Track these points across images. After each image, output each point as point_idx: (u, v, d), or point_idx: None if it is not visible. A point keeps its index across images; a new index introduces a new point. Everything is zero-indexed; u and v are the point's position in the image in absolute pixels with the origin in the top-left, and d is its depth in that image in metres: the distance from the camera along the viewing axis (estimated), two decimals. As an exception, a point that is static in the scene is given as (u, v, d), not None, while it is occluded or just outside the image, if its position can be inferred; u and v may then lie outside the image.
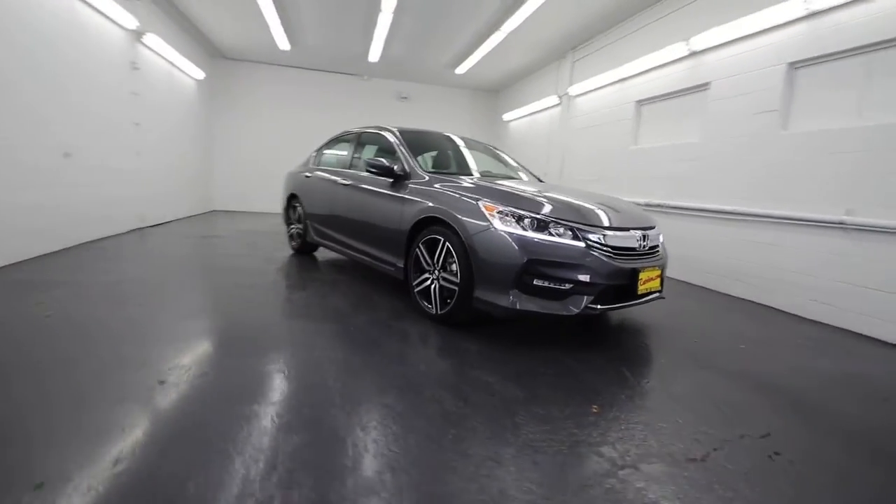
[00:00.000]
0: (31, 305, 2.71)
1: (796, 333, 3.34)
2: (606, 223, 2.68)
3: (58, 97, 4.24)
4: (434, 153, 4.09)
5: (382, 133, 3.99)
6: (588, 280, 2.50)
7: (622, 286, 2.60)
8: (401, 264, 3.27)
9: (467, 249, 2.64)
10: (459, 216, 2.71)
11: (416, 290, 3.09)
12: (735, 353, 2.81)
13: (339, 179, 4.17)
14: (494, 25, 6.57)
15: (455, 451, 1.53)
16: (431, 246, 2.96)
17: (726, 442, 1.74)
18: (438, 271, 2.91)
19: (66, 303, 2.80)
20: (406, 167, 3.42)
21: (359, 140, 4.33)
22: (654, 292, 2.85)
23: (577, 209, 2.69)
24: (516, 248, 2.47)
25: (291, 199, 5.21)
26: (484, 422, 1.75)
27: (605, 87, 6.60)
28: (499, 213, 2.59)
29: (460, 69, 8.87)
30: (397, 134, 3.80)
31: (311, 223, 4.73)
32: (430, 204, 2.98)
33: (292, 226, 5.21)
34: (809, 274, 3.75)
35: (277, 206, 10.81)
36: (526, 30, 6.54)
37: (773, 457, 1.67)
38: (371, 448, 1.51)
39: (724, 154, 4.63)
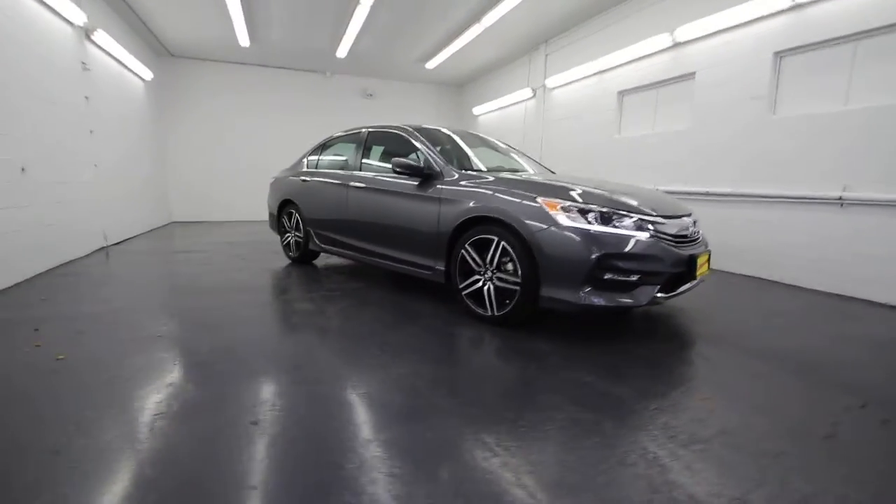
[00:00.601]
0: (31, 348, 2.32)
1: (814, 304, 3.57)
2: (662, 212, 2.70)
3: (3, 105, 3.65)
4: (439, 150, 3.96)
5: (397, 132, 3.81)
6: (656, 270, 2.52)
7: (680, 273, 2.65)
8: (440, 267, 3.14)
9: (531, 248, 2.57)
10: (519, 214, 2.63)
11: (464, 292, 2.98)
12: (770, 330, 2.96)
13: (351, 182, 3.93)
14: (474, 18, 6.49)
15: (622, 461, 1.47)
16: (480, 246, 2.86)
17: (838, 416, 1.81)
18: (492, 272, 2.81)
19: (69, 341, 2.42)
20: (436, 166, 3.28)
21: (366, 140, 4.10)
22: (703, 277, 2.93)
23: (633, 199, 2.70)
24: (586, 243, 2.43)
25: (284, 206, 4.87)
26: (619, 423, 1.70)
27: (584, 78, 6.74)
28: (562, 209, 2.53)
29: (431, 64, 8.73)
30: (417, 132, 3.64)
31: (313, 230, 4.45)
32: (478, 203, 2.86)
33: (288, 234, 4.88)
34: (808, 247, 4.04)
35: (245, 214, 10.52)
36: (501, 23, 6.52)
37: (885, 424, 1.76)
38: (554, 487, 1.41)
39: (715, 139, 4.87)
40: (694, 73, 5.06)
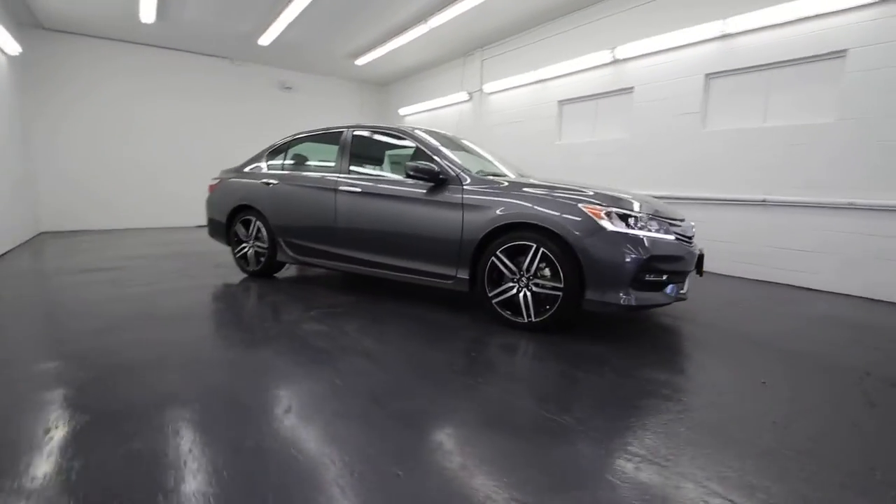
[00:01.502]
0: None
1: (752, 293, 4.23)
2: (673, 216, 2.96)
3: None
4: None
5: (395, 133, 3.59)
6: (681, 269, 2.76)
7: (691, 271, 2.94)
8: (463, 275, 3.04)
9: (577, 253, 2.61)
10: (564, 221, 2.66)
11: (496, 300, 2.92)
12: (744, 316, 3.45)
13: (340, 187, 3.57)
14: (420, 17, 6.38)
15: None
16: (513, 253, 2.84)
17: (854, 382, 2.18)
18: (527, 279, 2.81)
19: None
20: (451, 171, 3.15)
21: (351, 141, 3.76)
22: (696, 274, 3.29)
23: (652, 204, 2.91)
24: (633, 247, 2.56)
25: (238, 214, 4.25)
26: (744, 426, 1.82)
27: (524, 86, 7.06)
28: (607, 214, 2.63)
29: (362, 60, 8.35)
30: (423, 134, 3.47)
31: (284, 240, 3.96)
32: (511, 210, 2.82)
33: (244, 245, 4.26)
34: (736, 242, 4.78)
35: (141, 220, 8.81)
36: (441, 26, 6.50)
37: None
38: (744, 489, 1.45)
39: (652, 149, 5.49)
40: (633, 88, 5.63)
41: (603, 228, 2.60)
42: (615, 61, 5.74)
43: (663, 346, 2.73)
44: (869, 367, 2.42)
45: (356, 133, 3.78)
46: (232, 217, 4.33)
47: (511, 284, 2.87)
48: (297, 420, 1.71)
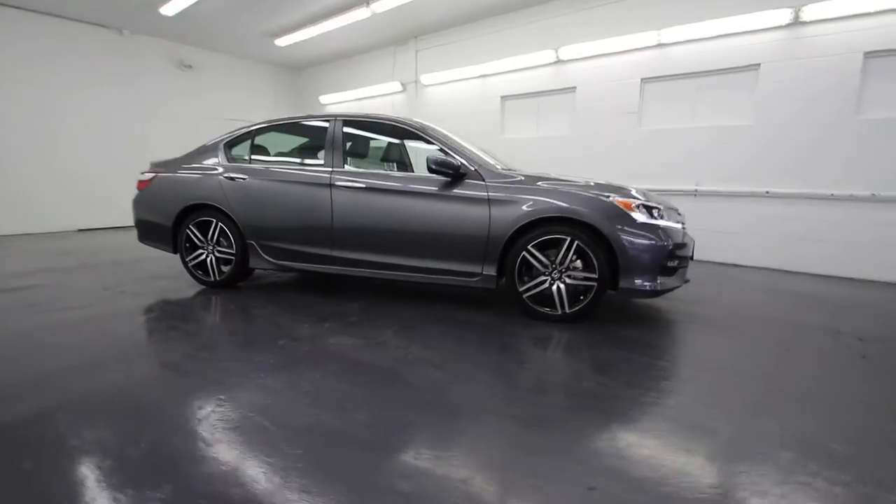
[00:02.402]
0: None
1: (698, 272, 4.84)
2: (674, 207, 3.26)
3: None
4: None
5: (396, 124, 3.33)
6: (688, 255, 3.06)
7: (688, 256, 3.28)
8: (490, 272, 2.97)
9: (613, 244, 2.73)
10: (599, 214, 2.74)
11: (527, 295, 2.92)
12: (705, 291, 3.96)
13: (337, 182, 3.20)
14: (361, 1, 5.98)
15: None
16: (541, 247, 2.86)
17: (832, 338, 2.67)
18: (560, 271, 2.85)
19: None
20: (470, 165, 3.04)
21: (342, 132, 3.38)
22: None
23: (653, 196, 3.16)
24: (660, 236, 2.76)
25: (190, 215, 3.58)
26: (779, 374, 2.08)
27: (466, 80, 7.09)
28: (636, 206, 2.78)
29: (283, 41, 7.55)
30: (424, 125, 3.26)
31: (259, 243, 3.44)
32: (542, 204, 2.81)
33: (200, 252, 3.60)
34: (672, 228, 5.44)
35: (13, 224, 6.70)
36: (378, 11, 6.21)
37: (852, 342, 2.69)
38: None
39: (593, 144, 5.95)
40: (575, 88, 6.02)
41: (635, 220, 2.75)
42: (559, 61, 6.07)
43: (672, 322, 3.00)
44: (835, 326, 2.96)
45: (347, 123, 3.42)
46: (180, 219, 3.62)
47: (543, 278, 2.89)
48: (452, 453, 1.52)
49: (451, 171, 2.97)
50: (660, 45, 5.28)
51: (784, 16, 4.42)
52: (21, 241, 6.02)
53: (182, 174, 3.67)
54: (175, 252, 3.74)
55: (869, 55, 4.16)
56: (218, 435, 1.58)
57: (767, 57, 4.66)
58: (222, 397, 1.85)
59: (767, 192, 4.76)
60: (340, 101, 9.06)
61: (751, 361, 2.38)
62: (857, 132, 4.28)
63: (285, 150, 3.69)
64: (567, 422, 1.72)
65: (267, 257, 3.46)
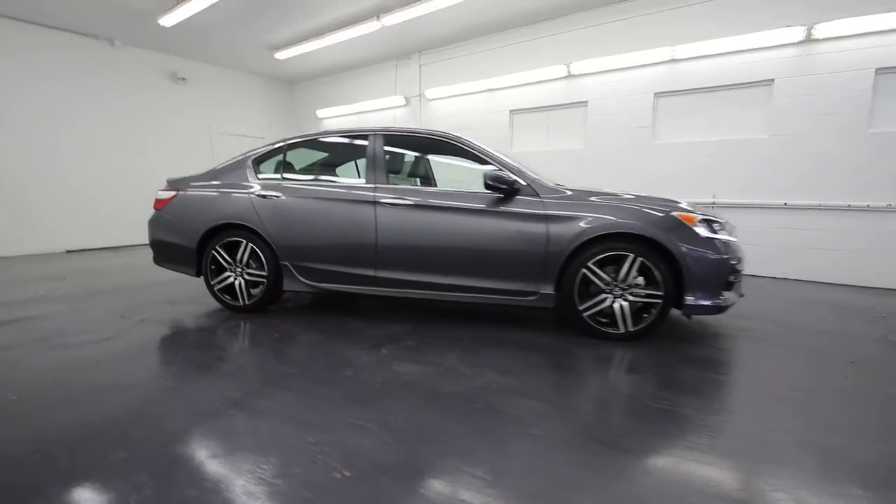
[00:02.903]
0: None
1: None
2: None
3: None
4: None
5: (440, 139, 3.22)
6: (742, 269, 3.04)
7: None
8: (547, 290, 2.87)
9: (678, 260, 2.67)
10: (663, 229, 2.69)
11: (587, 314, 2.83)
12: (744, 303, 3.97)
13: (382, 199, 3.06)
14: (373, 13, 5.90)
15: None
16: (602, 264, 2.78)
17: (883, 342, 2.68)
18: (622, 288, 2.78)
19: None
20: (522, 180, 2.95)
21: (383, 147, 3.25)
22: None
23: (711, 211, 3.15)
24: (725, 250, 2.72)
25: (216, 236, 3.36)
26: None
27: (473, 94, 7.07)
28: (699, 221, 2.74)
29: (283, 54, 7.38)
30: (466, 139, 3.17)
31: (294, 264, 3.24)
32: (603, 221, 2.74)
33: (227, 275, 3.37)
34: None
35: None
36: (385, 26, 6.15)
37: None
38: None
39: (606, 158, 5.98)
40: (587, 102, 6.07)
41: (698, 235, 2.71)
42: (570, 76, 6.11)
43: (729, 337, 2.96)
44: (884, 335, 2.98)
45: (388, 138, 3.29)
46: (205, 240, 3.40)
47: (605, 296, 2.81)
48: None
49: (506, 187, 2.87)
50: (673, 61, 5.38)
51: (797, 33, 4.57)
52: (6, 265, 5.58)
53: (207, 192, 3.45)
54: (198, 275, 3.50)
55: (880, 71, 4.33)
56: (340, 489, 1.40)
57: (781, 73, 4.79)
58: (311, 440, 1.67)
59: (785, 204, 4.86)
60: (339, 115, 8.91)
61: (819, 375, 2.35)
62: (869, 145, 4.43)
63: (317, 166, 3.53)
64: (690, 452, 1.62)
65: (303, 279, 3.26)
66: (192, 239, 3.41)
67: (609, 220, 2.77)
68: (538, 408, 1.95)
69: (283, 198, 3.25)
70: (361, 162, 3.40)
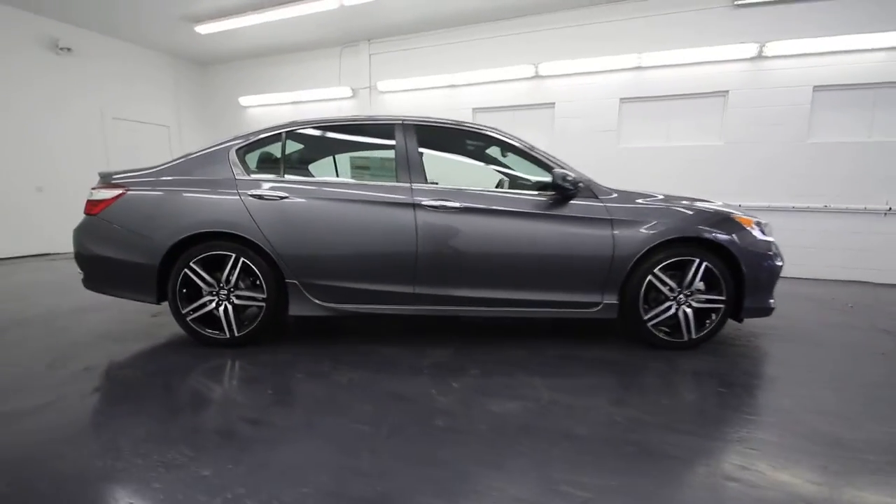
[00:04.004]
0: None
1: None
2: None
3: None
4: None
5: (482, 132, 2.84)
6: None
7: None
8: (611, 300, 2.65)
9: (742, 264, 2.62)
10: (728, 233, 2.62)
11: (651, 323, 2.66)
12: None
13: (423, 201, 2.55)
14: (329, -10, 5.19)
15: None
16: (669, 269, 2.65)
17: (909, 341, 2.96)
18: (686, 295, 2.66)
19: None
20: (580, 181, 2.68)
21: (415, 141, 2.72)
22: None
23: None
24: (777, 253, 2.75)
25: (190, 248, 2.54)
26: None
27: (431, 89, 6.66)
28: (755, 224, 2.73)
29: (206, 28, 6.20)
30: (508, 135, 2.82)
31: (308, 282, 2.58)
32: (672, 224, 2.60)
33: (209, 298, 2.57)
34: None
35: None
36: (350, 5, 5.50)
37: (918, 339, 3.03)
38: None
39: (574, 159, 5.93)
40: (554, 104, 6.05)
41: (756, 237, 2.70)
42: (537, 76, 6.04)
43: (778, 338, 3.04)
44: (867, 322, 3.30)
45: (420, 129, 2.79)
46: (172, 255, 2.55)
47: (670, 303, 2.67)
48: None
49: (573, 189, 2.59)
50: (639, 68, 5.58)
51: (751, 49, 5.00)
52: None
53: (172, 192, 2.60)
54: (158, 302, 2.63)
55: (817, 88, 4.92)
56: None
57: (735, 85, 5.22)
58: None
59: (739, 206, 5.30)
60: (269, 104, 7.84)
61: (864, 368, 2.46)
62: (808, 154, 5.02)
63: (327, 159, 2.89)
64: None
65: (316, 300, 2.61)
66: (154, 254, 2.54)
67: (675, 223, 2.63)
68: (695, 444, 1.69)
69: (291, 199, 2.57)
70: (372, 155, 2.86)
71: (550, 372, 2.37)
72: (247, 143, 2.75)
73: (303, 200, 2.58)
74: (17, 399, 1.97)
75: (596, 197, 2.69)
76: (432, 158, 2.96)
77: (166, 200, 2.59)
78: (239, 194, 2.56)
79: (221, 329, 2.60)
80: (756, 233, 2.71)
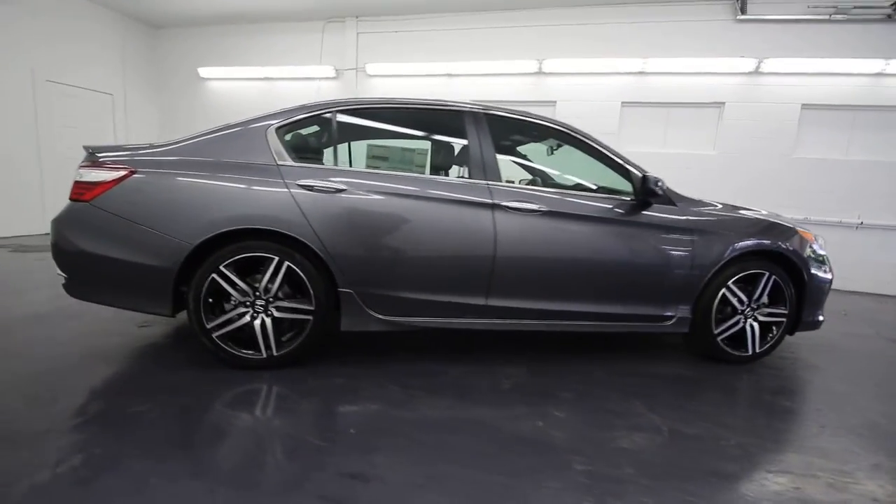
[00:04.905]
0: None
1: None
2: None
3: None
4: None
5: (562, 129, 2.64)
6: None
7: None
8: (684, 313, 2.53)
9: (806, 277, 2.61)
10: (797, 247, 2.59)
11: (722, 337, 2.58)
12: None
13: (504, 202, 2.25)
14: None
15: None
16: (741, 282, 2.59)
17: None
18: (752, 308, 2.61)
19: None
20: (663, 186, 2.51)
21: (490, 132, 2.41)
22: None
23: None
24: (830, 268, 2.78)
25: (220, 250, 2.05)
26: None
27: (427, 76, 6.27)
28: (814, 238, 2.73)
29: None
30: (588, 136, 2.61)
31: (365, 291, 2.18)
32: (751, 236, 2.54)
33: (244, 310, 2.09)
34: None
35: None
36: None
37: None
38: None
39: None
40: (555, 102, 5.93)
41: (816, 252, 2.71)
42: (540, 73, 5.88)
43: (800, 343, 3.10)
44: (872, 331, 3.51)
45: (492, 120, 2.47)
46: (197, 256, 2.05)
47: (739, 317, 2.60)
48: None
49: (662, 195, 2.43)
50: (642, 73, 5.60)
51: (750, 64, 5.18)
52: None
53: (197, 176, 2.08)
54: (173, 315, 2.11)
55: (805, 106, 5.21)
56: None
57: (731, 97, 5.40)
58: None
59: (733, 214, 5.53)
60: (235, 77, 6.99)
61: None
62: (794, 168, 5.32)
63: (391, 149, 2.48)
64: None
65: (375, 313, 2.22)
66: (173, 254, 2.02)
67: (752, 235, 2.56)
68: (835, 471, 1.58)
69: (350, 193, 2.15)
70: (391, 144, 2.52)
71: (643, 393, 2.19)
72: (287, 121, 2.28)
73: (364, 195, 2.18)
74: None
75: (673, 204, 2.55)
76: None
77: (190, 187, 2.07)
78: (287, 184, 2.11)
79: (256, 347, 2.14)
80: (816, 247, 2.72)
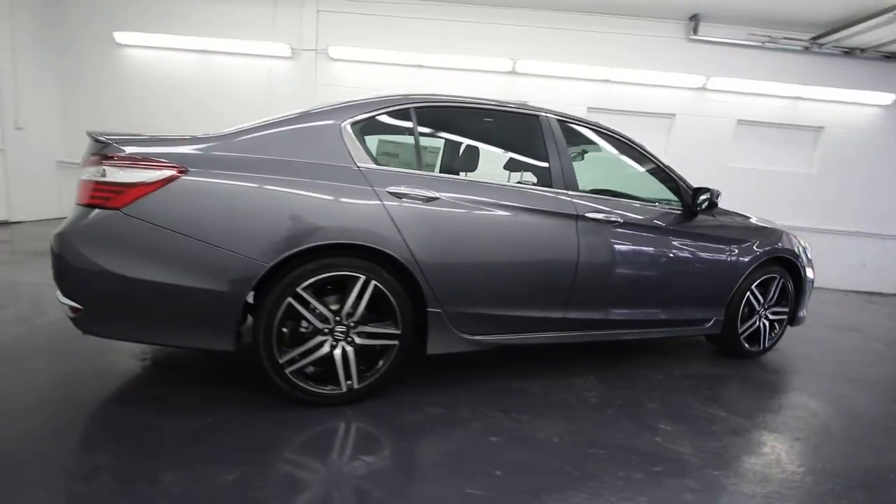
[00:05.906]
0: None
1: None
2: None
3: None
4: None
5: (621, 140, 2.76)
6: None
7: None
8: (719, 316, 2.75)
9: (803, 279, 2.98)
10: (799, 251, 2.94)
11: (744, 336, 2.85)
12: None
13: (586, 214, 2.21)
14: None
15: None
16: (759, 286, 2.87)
17: None
18: (764, 308, 2.92)
19: None
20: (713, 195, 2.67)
21: (563, 137, 2.37)
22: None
23: None
24: (814, 268, 3.20)
25: (295, 267, 1.72)
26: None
27: (395, 65, 5.93)
28: (805, 243, 3.11)
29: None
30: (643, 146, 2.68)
31: (455, 310, 1.98)
32: (773, 243, 2.83)
33: (322, 338, 1.78)
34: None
35: None
36: None
37: None
38: None
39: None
40: (525, 102, 5.98)
41: (808, 257, 3.11)
42: (514, 73, 5.90)
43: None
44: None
45: (563, 125, 2.42)
46: (269, 280, 1.69)
47: (756, 317, 2.89)
48: None
49: (714, 205, 2.59)
50: (607, 81, 5.91)
51: (699, 80, 5.75)
52: None
53: (267, 180, 1.70)
54: (236, 349, 1.72)
55: (740, 122, 5.94)
56: None
57: (680, 109, 5.95)
58: None
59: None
60: (161, 46, 5.94)
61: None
62: (729, 176, 6.05)
63: (459, 150, 2.28)
64: None
65: (462, 333, 2.04)
66: (242, 277, 1.65)
67: (772, 243, 2.86)
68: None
69: (444, 202, 1.93)
70: (404, 141, 2.36)
71: (709, 395, 2.33)
72: (364, 116, 1.97)
73: (458, 204, 1.98)
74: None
75: (713, 215, 2.74)
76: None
77: (261, 193, 1.69)
78: (375, 192, 1.82)
79: (335, 381, 1.84)
80: (808, 253, 3.12)
